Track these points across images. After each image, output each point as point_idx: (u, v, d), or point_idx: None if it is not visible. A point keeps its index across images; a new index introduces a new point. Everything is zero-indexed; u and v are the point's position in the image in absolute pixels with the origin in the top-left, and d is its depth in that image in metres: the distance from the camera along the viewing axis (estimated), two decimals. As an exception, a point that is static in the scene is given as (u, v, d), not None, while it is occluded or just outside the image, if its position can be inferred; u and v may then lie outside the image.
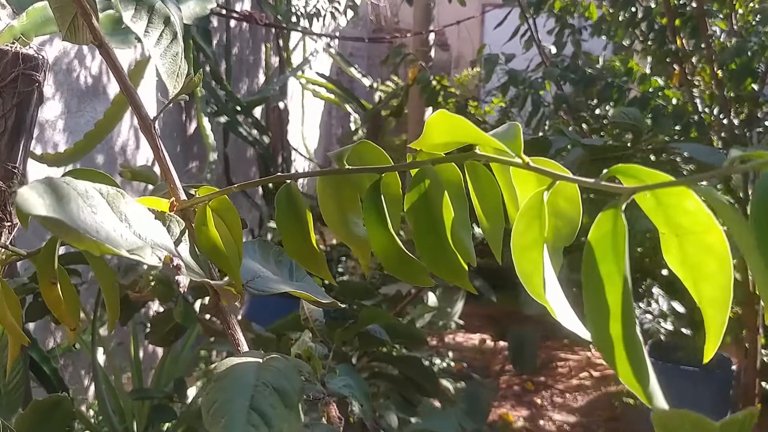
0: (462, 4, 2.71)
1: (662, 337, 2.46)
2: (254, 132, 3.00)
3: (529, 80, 2.18)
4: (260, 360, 0.37)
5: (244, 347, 0.43)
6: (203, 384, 1.74)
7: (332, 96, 3.78)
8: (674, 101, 2.20)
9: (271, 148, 3.19)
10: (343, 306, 0.52)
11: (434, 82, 2.67)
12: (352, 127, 4.18)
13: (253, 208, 3.15)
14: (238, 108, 2.82)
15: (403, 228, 1.29)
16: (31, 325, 1.59)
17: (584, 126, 2.35)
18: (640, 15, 2.29)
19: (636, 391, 0.26)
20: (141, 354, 1.84)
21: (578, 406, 2.92)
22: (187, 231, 0.43)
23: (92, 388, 2.04)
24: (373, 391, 1.38)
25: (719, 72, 2.02)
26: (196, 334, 1.75)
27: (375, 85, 3.97)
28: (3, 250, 0.50)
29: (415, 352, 1.50)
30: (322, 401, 0.58)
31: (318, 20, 3.06)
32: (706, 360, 0.31)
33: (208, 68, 2.58)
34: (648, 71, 2.34)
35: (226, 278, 0.46)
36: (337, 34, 3.94)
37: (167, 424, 1.57)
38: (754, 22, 2.16)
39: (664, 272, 2.54)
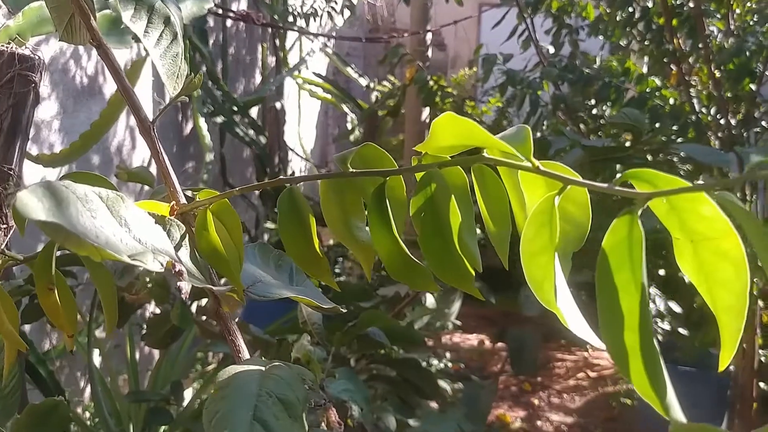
0: (459, 4, 2.70)
1: (659, 337, 2.46)
2: (251, 132, 2.99)
3: (527, 80, 2.17)
4: (263, 368, 0.36)
5: (245, 354, 0.42)
6: (200, 386, 1.73)
7: (329, 96, 3.77)
8: (671, 101, 2.20)
9: (267, 149, 3.18)
10: (344, 310, 0.51)
11: (431, 82, 2.67)
12: (349, 127, 4.17)
13: (249, 209, 3.14)
14: (235, 108, 2.81)
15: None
16: (26, 327, 1.57)
17: (582, 126, 2.34)
18: (637, 15, 2.29)
19: (653, 403, 0.25)
20: (137, 356, 1.83)
21: (575, 407, 2.92)
22: (187, 235, 0.42)
23: (88, 390, 2.03)
24: (371, 394, 1.37)
25: (717, 72, 2.02)
26: (192, 336, 1.74)
27: (372, 85, 3.96)
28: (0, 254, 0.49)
29: (413, 354, 1.50)
30: (322, 407, 0.58)
31: (315, 20, 3.05)
32: (721, 368, 0.30)
33: (204, 68, 2.57)
34: (645, 71, 2.34)
35: (223, 281, 0.46)
36: (334, 33, 3.93)
37: (164, 427, 1.56)
38: (751, 22, 2.16)
39: (661, 272, 2.54)
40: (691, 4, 2.08)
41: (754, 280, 1.86)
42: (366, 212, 0.42)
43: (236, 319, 0.49)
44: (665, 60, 2.29)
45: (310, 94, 3.76)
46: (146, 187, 1.16)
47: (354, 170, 0.40)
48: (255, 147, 3.06)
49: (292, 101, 3.80)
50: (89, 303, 1.48)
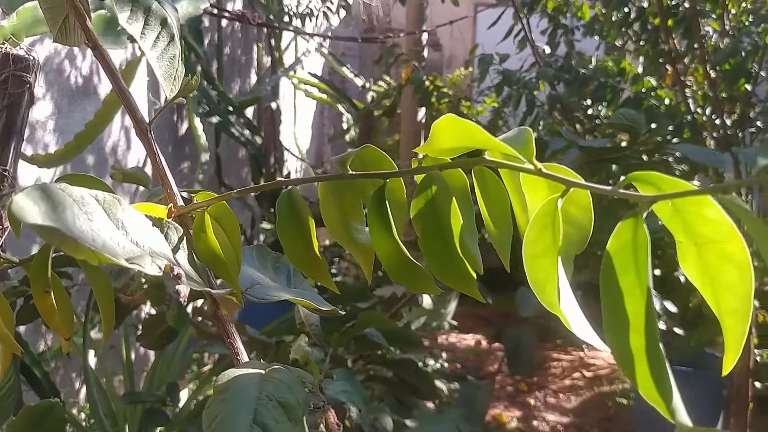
0: (455, 4, 2.70)
1: (655, 337, 2.46)
2: (246, 132, 2.98)
3: (524, 80, 2.17)
4: (262, 371, 0.36)
5: (244, 357, 0.42)
6: (196, 387, 1.73)
7: (324, 96, 3.76)
8: (667, 102, 2.21)
9: (263, 149, 3.18)
10: (342, 313, 0.51)
11: (427, 83, 2.67)
12: (345, 127, 4.17)
13: (245, 209, 3.14)
14: (230, 108, 2.80)
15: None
16: (21, 328, 1.57)
17: (578, 126, 2.35)
18: (632, 15, 2.29)
19: (658, 407, 0.25)
20: (132, 357, 1.82)
21: (571, 407, 2.92)
22: (185, 238, 0.42)
23: (83, 391, 2.02)
24: (368, 395, 1.37)
25: (712, 72, 2.02)
26: (188, 336, 1.74)
27: (367, 85, 3.96)
28: (-6, 256, 0.49)
29: (409, 354, 1.49)
30: (321, 409, 0.57)
31: (310, 20, 3.04)
32: (725, 372, 0.30)
33: (199, 68, 2.57)
34: (641, 71, 2.34)
35: (219, 281, 0.45)
36: (330, 33, 3.93)
37: (159, 428, 1.55)
38: (747, 23, 2.16)
39: (657, 272, 2.54)
40: (687, 5, 2.08)
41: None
42: (365, 214, 0.42)
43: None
44: (661, 60, 2.29)
45: (306, 94, 3.75)
46: (141, 188, 1.15)
47: (354, 172, 0.40)
48: (251, 147, 3.05)
49: (287, 101, 3.80)
50: (84, 303, 1.47)
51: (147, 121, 0.46)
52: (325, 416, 0.66)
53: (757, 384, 2.30)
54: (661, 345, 0.25)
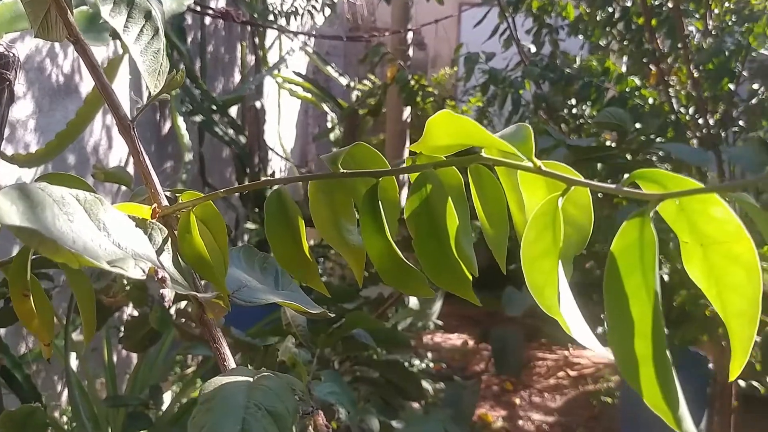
0: (440, 3, 2.69)
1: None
2: (230, 131, 2.95)
3: (509, 79, 2.17)
4: (250, 378, 0.35)
5: (231, 362, 0.40)
6: (180, 390, 1.71)
7: (309, 95, 3.74)
8: (651, 101, 2.21)
9: (247, 148, 3.15)
10: (332, 315, 0.50)
11: (412, 82, 2.66)
12: (329, 126, 4.15)
13: (229, 209, 3.11)
14: (214, 107, 2.77)
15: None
16: (2, 330, 1.54)
17: (563, 125, 2.35)
18: (616, 15, 2.29)
19: (664, 415, 0.24)
20: (115, 359, 1.80)
21: (556, 406, 2.92)
22: (169, 239, 0.40)
23: (65, 393, 1.99)
24: (355, 396, 1.36)
25: (695, 72, 2.03)
26: (171, 338, 1.72)
27: (352, 84, 3.94)
28: (-29, 258, 0.47)
29: (396, 355, 1.48)
30: (310, 414, 0.56)
31: (295, 18, 3.02)
32: (732, 378, 0.29)
33: (182, 66, 2.54)
34: (624, 71, 2.35)
35: (205, 285, 0.44)
36: (314, 32, 3.91)
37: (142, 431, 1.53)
38: (730, 22, 2.18)
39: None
40: (670, 4, 2.09)
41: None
42: (357, 214, 0.41)
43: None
44: (644, 60, 2.30)
45: (290, 93, 3.72)
46: (123, 188, 1.13)
47: (345, 170, 0.38)
48: (234, 146, 3.03)
49: (271, 100, 3.77)
50: (65, 306, 1.45)
51: (130, 118, 0.44)
52: (314, 419, 0.65)
53: (741, 383, 2.32)
54: (668, 351, 0.24)
